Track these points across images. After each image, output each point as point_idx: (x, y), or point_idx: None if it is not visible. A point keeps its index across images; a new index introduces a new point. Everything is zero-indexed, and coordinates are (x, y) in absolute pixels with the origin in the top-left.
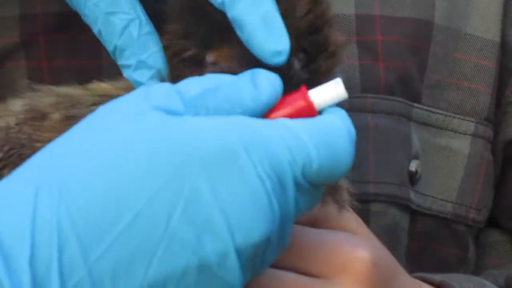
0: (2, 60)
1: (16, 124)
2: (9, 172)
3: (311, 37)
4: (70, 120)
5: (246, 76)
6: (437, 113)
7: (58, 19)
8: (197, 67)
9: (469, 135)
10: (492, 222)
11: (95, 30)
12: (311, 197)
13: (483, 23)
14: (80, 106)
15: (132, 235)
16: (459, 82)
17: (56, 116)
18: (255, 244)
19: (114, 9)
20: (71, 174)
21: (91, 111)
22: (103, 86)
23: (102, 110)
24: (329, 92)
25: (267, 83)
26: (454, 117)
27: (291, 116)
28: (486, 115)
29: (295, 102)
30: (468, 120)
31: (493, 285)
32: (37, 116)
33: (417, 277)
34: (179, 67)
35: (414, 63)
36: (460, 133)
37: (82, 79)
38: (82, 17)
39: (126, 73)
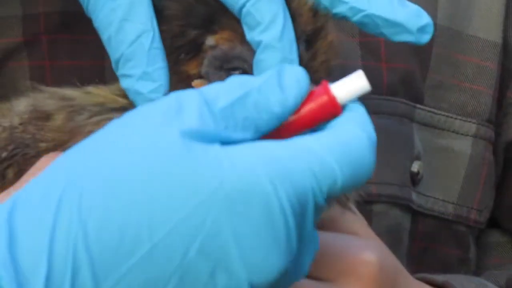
0: (4, 60)
1: (20, 124)
2: (13, 172)
3: (315, 24)
4: (73, 123)
5: (273, 77)
6: (439, 114)
7: (60, 19)
8: (196, 51)
9: (470, 136)
10: (493, 222)
11: (104, 36)
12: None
13: (485, 24)
14: (84, 111)
15: (146, 267)
16: (461, 83)
17: (60, 117)
18: (270, 282)
19: (131, 17)
20: (94, 192)
21: (93, 122)
22: (102, 94)
23: (132, 118)
24: (352, 86)
25: (293, 83)
26: (456, 118)
27: (315, 114)
28: (488, 116)
29: (318, 98)
30: (469, 122)
31: (494, 286)
32: (42, 116)
33: (419, 278)
34: (177, 52)
35: (416, 64)
36: (462, 134)
37: (85, 79)
38: (94, 20)
39: (126, 82)
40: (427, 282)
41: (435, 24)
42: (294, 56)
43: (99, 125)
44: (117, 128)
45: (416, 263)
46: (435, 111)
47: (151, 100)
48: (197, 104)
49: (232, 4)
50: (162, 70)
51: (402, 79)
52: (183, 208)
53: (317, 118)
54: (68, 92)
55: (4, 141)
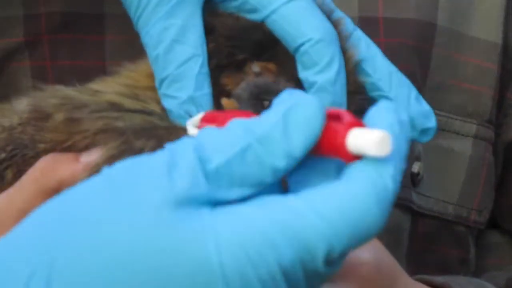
0: (6, 60)
1: (19, 124)
2: (12, 173)
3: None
4: (73, 123)
5: (278, 122)
6: (440, 114)
7: (62, 19)
8: (238, 73)
9: (471, 137)
10: (493, 223)
11: (152, 53)
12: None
13: (485, 25)
14: (84, 110)
15: None
16: (461, 84)
17: (59, 116)
18: None
19: (183, 39)
20: (67, 267)
21: (95, 117)
22: (107, 91)
23: (121, 180)
24: (372, 145)
25: (302, 127)
26: (456, 119)
27: (324, 149)
28: (488, 117)
29: (332, 136)
30: (470, 122)
31: (494, 287)
32: (41, 117)
33: (418, 279)
34: (219, 69)
35: (417, 65)
36: (462, 135)
37: (86, 79)
38: (143, 36)
39: (170, 103)
40: (426, 283)
41: (435, 25)
42: (344, 100)
43: (98, 122)
44: (103, 191)
45: (416, 263)
46: (436, 111)
47: None
48: (190, 163)
49: (288, 41)
50: (207, 96)
51: None
52: None
53: (325, 152)
54: (70, 91)
55: (3, 141)
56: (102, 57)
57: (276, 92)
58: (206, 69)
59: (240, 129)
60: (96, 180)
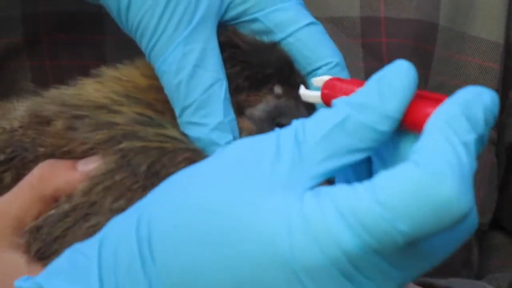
0: (5, 60)
1: (20, 127)
2: (11, 176)
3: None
4: (72, 131)
5: (374, 87)
6: None
7: (61, 19)
8: (255, 93)
9: None
10: (496, 224)
11: (173, 81)
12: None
13: (487, 25)
14: (84, 120)
15: None
16: (463, 84)
17: (58, 124)
18: None
19: (204, 64)
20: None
21: (94, 128)
22: (95, 95)
23: (234, 162)
24: None
25: (394, 92)
26: None
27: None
28: None
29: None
30: None
31: None
32: (42, 121)
33: (420, 282)
34: (239, 88)
35: (418, 65)
36: None
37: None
38: (159, 65)
39: (197, 131)
40: (429, 286)
41: (436, 25)
42: None
43: (96, 132)
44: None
45: None
46: None
47: None
48: (289, 149)
49: (304, 64)
50: (234, 121)
51: None
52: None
53: (408, 123)
54: (69, 99)
55: (3, 143)
56: (101, 57)
57: (295, 117)
58: (228, 93)
59: (340, 103)
60: (212, 160)
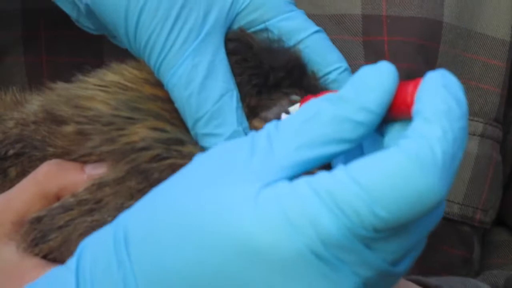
0: (1, 55)
1: (34, 122)
2: (16, 171)
3: None
4: (82, 136)
5: (350, 83)
6: None
7: (61, 15)
8: (268, 96)
9: (477, 136)
10: (500, 221)
11: (183, 94)
12: (394, 241)
13: (493, 22)
14: (96, 125)
15: None
16: (468, 82)
17: (70, 128)
18: None
19: (213, 75)
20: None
21: (105, 131)
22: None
23: (211, 164)
24: None
25: (372, 86)
26: None
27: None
28: (495, 116)
29: (404, 100)
30: (476, 121)
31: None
32: (55, 120)
33: (413, 280)
34: (257, 94)
35: (422, 63)
36: (469, 134)
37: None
38: (168, 79)
39: (212, 141)
40: (421, 284)
41: (441, 23)
42: None
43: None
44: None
45: (419, 263)
46: None
47: None
48: (263, 147)
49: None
50: (248, 129)
51: (407, 79)
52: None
53: (396, 111)
54: (84, 101)
55: (14, 137)
56: (99, 54)
57: None
58: (240, 102)
59: (315, 101)
60: (190, 166)
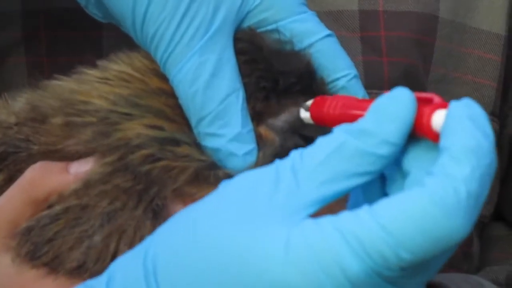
0: (3, 56)
1: (16, 124)
2: (3, 177)
3: None
4: (69, 128)
5: (371, 115)
6: None
7: (60, 15)
8: (277, 102)
9: None
10: (497, 215)
11: (188, 90)
12: (416, 275)
13: (489, 16)
14: (87, 117)
15: None
16: (464, 76)
17: (57, 120)
18: None
19: (220, 74)
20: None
21: (98, 125)
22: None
23: (236, 196)
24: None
25: (393, 118)
26: None
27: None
28: (492, 109)
29: (420, 121)
30: None
31: (492, 285)
32: (38, 118)
33: None
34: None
35: (419, 58)
36: None
37: None
38: (174, 75)
39: (215, 142)
40: None
41: (437, 17)
42: None
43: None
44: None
45: None
46: None
47: (244, 162)
48: (288, 176)
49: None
50: (252, 132)
51: (405, 73)
52: None
53: (416, 132)
54: (70, 95)
55: None
56: (99, 54)
57: (319, 131)
58: (245, 103)
59: (338, 130)
60: (217, 195)
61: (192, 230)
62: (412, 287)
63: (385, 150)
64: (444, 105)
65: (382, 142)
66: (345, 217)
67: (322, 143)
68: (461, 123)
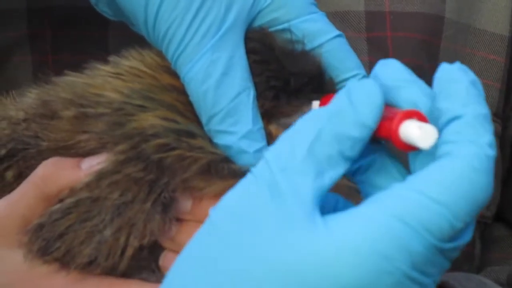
0: (7, 54)
1: (24, 120)
2: (12, 173)
3: None
4: (81, 121)
5: (343, 99)
6: None
7: (65, 13)
8: (288, 102)
9: None
10: (498, 216)
11: (199, 89)
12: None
13: (493, 17)
14: (100, 109)
15: None
16: None
17: (68, 113)
18: None
19: (232, 72)
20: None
21: (113, 115)
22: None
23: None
24: (416, 137)
25: (365, 101)
26: None
27: (382, 134)
28: (495, 111)
29: (389, 126)
30: None
31: (494, 284)
32: (47, 114)
33: None
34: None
35: (425, 58)
36: None
37: None
38: (185, 73)
39: (226, 139)
40: None
41: (443, 18)
42: None
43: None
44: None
45: None
46: None
47: (254, 159)
48: (281, 177)
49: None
50: (262, 130)
51: None
52: None
53: (382, 134)
54: (81, 90)
55: (6, 137)
56: (105, 52)
57: None
58: (256, 101)
59: (309, 120)
60: (207, 226)
61: (225, 260)
62: (454, 254)
63: (359, 133)
64: (416, 114)
65: (357, 124)
66: (390, 201)
67: (300, 130)
68: (467, 90)
